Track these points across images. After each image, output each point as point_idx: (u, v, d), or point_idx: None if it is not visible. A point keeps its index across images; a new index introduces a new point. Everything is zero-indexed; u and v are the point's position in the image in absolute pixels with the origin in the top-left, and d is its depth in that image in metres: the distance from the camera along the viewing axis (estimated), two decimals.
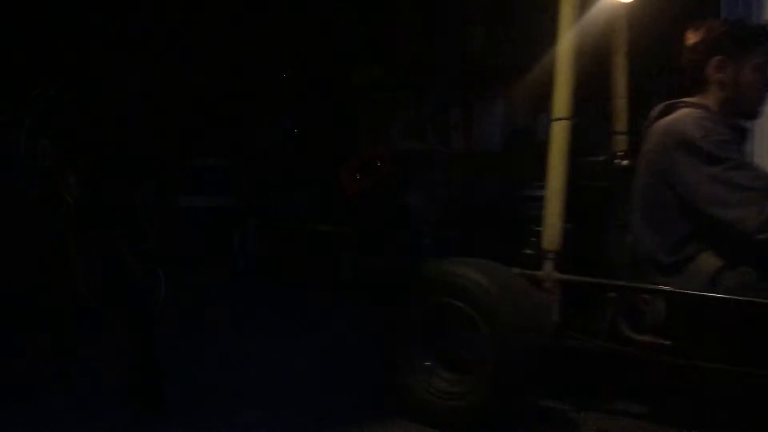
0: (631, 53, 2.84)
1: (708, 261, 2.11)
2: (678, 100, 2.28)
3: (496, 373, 2.05)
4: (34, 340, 3.20)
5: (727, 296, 1.97)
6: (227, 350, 3.24)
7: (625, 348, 2.14)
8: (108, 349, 2.75)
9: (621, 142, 2.83)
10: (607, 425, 2.25)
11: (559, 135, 2.28)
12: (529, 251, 2.32)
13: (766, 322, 1.91)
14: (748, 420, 2.15)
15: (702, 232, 2.12)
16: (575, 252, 2.28)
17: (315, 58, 6.00)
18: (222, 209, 5.85)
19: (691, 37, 2.26)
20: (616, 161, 2.58)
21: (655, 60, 3.83)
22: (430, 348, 2.24)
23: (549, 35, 2.34)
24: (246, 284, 5.25)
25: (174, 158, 5.81)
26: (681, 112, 2.21)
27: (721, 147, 2.05)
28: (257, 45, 6.04)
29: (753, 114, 2.28)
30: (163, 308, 3.40)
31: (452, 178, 4.71)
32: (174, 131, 5.82)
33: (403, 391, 2.24)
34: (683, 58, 2.29)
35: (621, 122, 2.86)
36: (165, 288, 3.50)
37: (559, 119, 2.28)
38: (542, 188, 2.31)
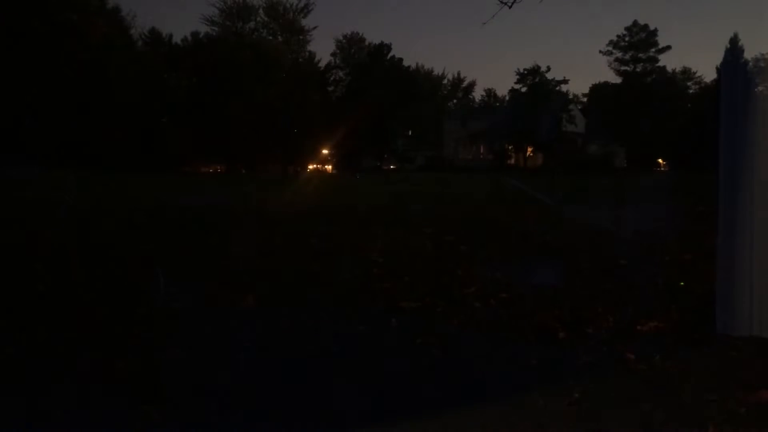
0: None
1: None
2: None
3: None
4: (33, 340, 3.20)
5: None
6: (227, 350, 3.23)
7: None
8: (108, 348, 2.74)
9: None
10: (608, 425, 2.25)
11: None
12: None
13: None
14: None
15: None
16: None
17: None
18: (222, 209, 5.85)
19: None
20: None
21: None
22: None
23: None
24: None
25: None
26: None
27: None
28: None
29: None
30: (162, 308, 3.39)
31: None
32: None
33: None
34: None
35: None
36: (165, 288, 3.50)
37: None
38: None
